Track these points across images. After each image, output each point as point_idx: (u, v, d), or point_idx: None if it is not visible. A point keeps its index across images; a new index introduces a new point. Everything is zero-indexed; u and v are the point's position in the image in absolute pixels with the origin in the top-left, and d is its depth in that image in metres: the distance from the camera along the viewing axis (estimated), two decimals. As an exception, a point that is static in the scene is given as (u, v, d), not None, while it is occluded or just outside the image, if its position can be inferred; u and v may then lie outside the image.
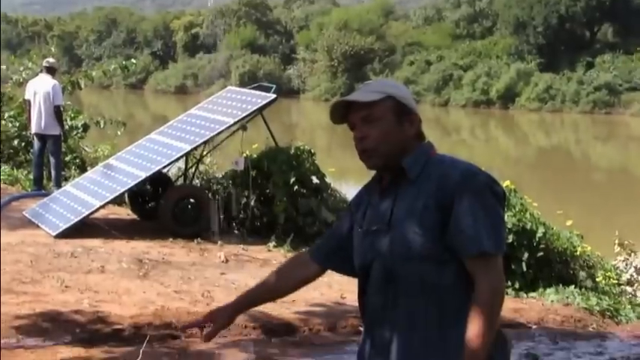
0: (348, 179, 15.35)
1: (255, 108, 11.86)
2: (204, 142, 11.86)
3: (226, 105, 12.39)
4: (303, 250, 3.18)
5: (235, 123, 11.79)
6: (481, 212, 2.65)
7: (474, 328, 2.60)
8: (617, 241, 12.71)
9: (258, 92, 12.56)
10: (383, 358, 2.78)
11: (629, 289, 11.63)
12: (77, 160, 15.81)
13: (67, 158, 15.19)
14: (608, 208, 24.37)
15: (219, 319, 3.10)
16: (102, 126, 16.54)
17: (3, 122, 15.52)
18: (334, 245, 3.08)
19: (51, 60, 13.65)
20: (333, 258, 3.07)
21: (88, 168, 15.06)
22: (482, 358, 2.61)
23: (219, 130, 11.78)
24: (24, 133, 15.47)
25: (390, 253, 2.75)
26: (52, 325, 7.39)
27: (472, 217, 2.64)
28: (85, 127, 16.57)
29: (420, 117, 2.92)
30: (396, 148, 2.80)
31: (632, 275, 12.03)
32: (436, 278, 2.68)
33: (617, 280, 11.84)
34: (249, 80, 55.15)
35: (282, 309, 8.22)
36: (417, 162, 2.78)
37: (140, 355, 4.98)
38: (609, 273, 11.77)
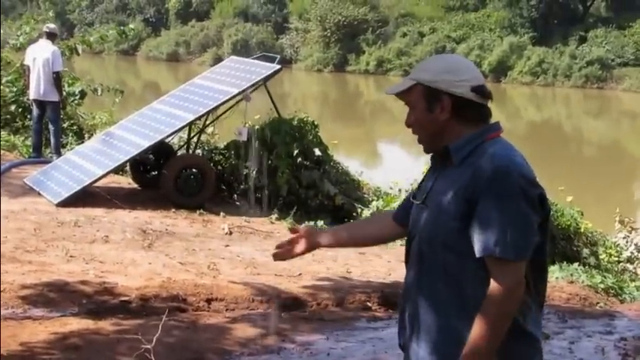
0: (339, 150, 15.26)
1: (259, 78, 11.75)
2: (208, 112, 11.75)
3: (230, 75, 12.29)
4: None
5: (239, 93, 11.69)
6: (504, 217, 2.55)
7: (476, 330, 2.57)
8: (617, 218, 12.72)
9: (262, 62, 12.46)
10: (411, 331, 2.79)
11: (630, 266, 11.66)
12: (74, 127, 15.68)
13: (65, 125, 15.02)
14: (601, 184, 24.40)
15: (306, 241, 3.13)
16: (99, 93, 16.36)
17: (1, 87, 15.34)
18: (405, 203, 3.08)
19: (51, 26, 13.51)
20: (403, 216, 3.03)
21: (86, 135, 14.98)
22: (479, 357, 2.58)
23: (223, 100, 11.67)
24: (21, 98, 15.32)
25: (421, 232, 2.75)
26: (58, 296, 7.34)
27: (492, 219, 2.55)
28: (83, 94, 16.39)
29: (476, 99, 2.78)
30: (432, 134, 2.75)
31: (632, 253, 12.05)
32: (457, 269, 2.65)
33: (618, 257, 11.87)
34: (241, 49, 54.89)
35: (289, 283, 8.19)
36: (466, 146, 2.70)
37: (159, 330, 4.93)
38: (610, 250, 11.80)
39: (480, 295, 2.60)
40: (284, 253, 3.14)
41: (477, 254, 2.58)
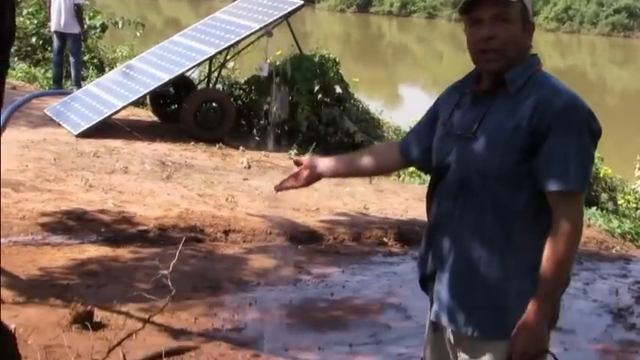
0: (359, 90, 15.17)
1: (281, 14, 11.68)
2: (229, 47, 11.71)
3: (252, 10, 12.21)
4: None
5: (261, 28, 11.62)
6: (574, 149, 2.53)
7: (549, 264, 2.53)
8: (637, 166, 12.67)
9: (284, -2, 12.37)
10: (441, 264, 2.73)
11: (648, 213, 11.64)
12: (95, 61, 15.68)
13: (85, 58, 15.03)
14: (622, 132, 24.21)
15: (309, 173, 3.06)
16: (120, 26, 16.33)
17: (21, 19, 15.31)
18: (415, 136, 2.99)
19: (73, -43, 13.44)
20: (411, 148, 2.97)
21: (106, 69, 14.97)
22: (555, 293, 2.58)
23: (245, 35, 11.63)
24: (42, 30, 15.30)
25: (468, 163, 2.65)
26: (77, 224, 7.40)
27: (564, 152, 2.53)
28: (104, 28, 16.34)
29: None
30: (518, 54, 2.65)
31: (651, 199, 12.03)
32: (509, 201, 2.59)
33: (636, 204, 11.85)
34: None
35: (306, 217, 8.22)
36: (521, 76, 2.64)
37: (176, 258, 4.95)
38: (629, 196, 11.78)
39: (527, 227, 2.58)
40: (286, 185, 3.11)
41: (546, 188, 2.53)
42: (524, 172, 2.57)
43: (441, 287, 2.73)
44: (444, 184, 2.73)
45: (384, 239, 7.92)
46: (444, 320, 2.72)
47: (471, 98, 2.73)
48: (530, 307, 2.55)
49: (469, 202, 2.65)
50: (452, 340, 2.74)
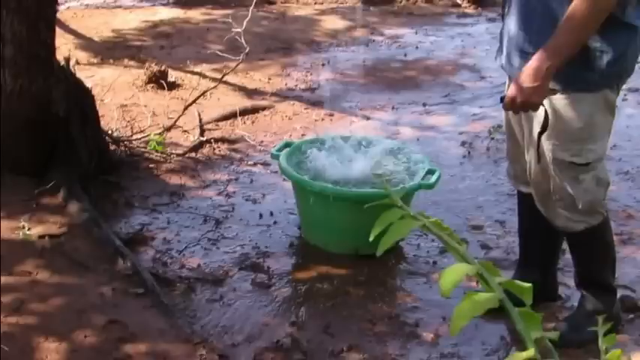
0: None
1: None
2: None
3: None
4: None
5: None
6: None
7: (564, 21, 2.46)
8: None
9: None
10: (508, 9, 2.70)
11: None
12: None
13: None
14: None
15: None
16: None
17: None
18: None
19: None
20: None
21: None
22: (562, 50, 2.47)
23: None
24: None
25: None
26: (148, -14, 7.37)
27: None
28: None
29: None
30: None
31: None
32: None
33: None
34: None
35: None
36: None
37: (249, 16, 4.89)
38: None
39: None
40: None
41: None
42: None
43: (505, 31, 2.72)
44: None
45: (458, 1, 7.74)
46: (504, 64, 2.73)
47: None
48: (535, 55, 2.49)
49: None
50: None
